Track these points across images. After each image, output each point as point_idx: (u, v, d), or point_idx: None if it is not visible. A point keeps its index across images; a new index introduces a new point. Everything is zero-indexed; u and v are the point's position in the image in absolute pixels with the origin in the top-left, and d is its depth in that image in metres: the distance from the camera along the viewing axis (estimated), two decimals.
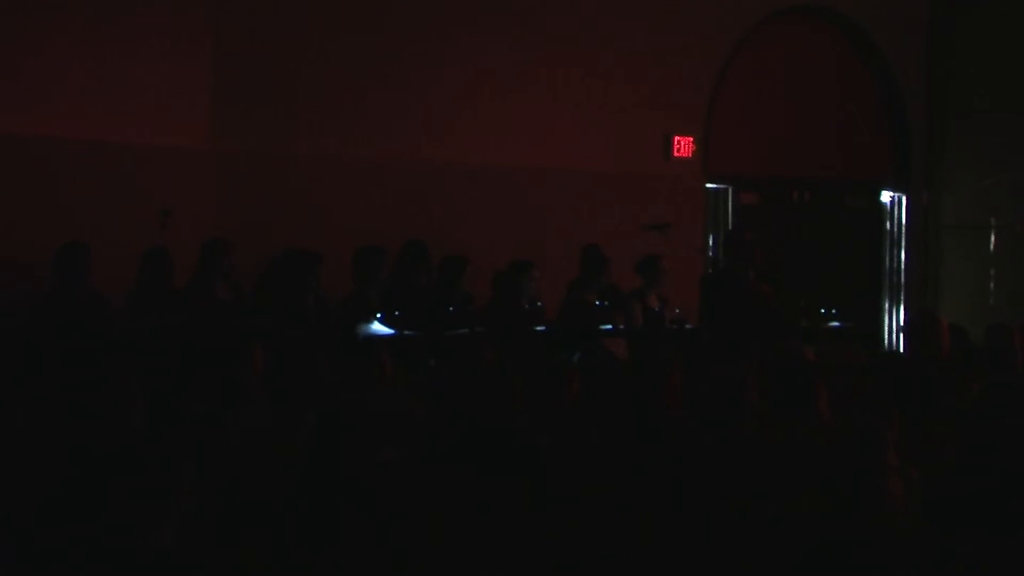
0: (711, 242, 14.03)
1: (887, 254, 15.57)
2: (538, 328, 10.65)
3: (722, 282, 11.11)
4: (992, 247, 15.25)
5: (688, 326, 11.13)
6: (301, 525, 5.47)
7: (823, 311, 11.45)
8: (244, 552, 5.22)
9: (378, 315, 10.16)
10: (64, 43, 10.80)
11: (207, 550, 4.97)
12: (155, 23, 11.19)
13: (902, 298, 15.49)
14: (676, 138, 13.84)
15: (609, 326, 10.94)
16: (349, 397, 7.27)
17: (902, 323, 15.19)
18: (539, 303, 10.88)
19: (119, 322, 9.70)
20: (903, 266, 15.53)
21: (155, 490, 4.79)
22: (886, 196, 15.57)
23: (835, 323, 11.47)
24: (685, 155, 13.89)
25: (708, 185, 14.21)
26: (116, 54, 11.02)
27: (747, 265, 10.88)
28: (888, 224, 15.59)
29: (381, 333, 10.03)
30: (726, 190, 14.35)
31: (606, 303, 11.21)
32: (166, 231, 10.04)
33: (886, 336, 15.45)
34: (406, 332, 10.04)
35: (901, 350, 14.34)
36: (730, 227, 14.02)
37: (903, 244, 15.55)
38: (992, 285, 15.22)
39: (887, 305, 15.53)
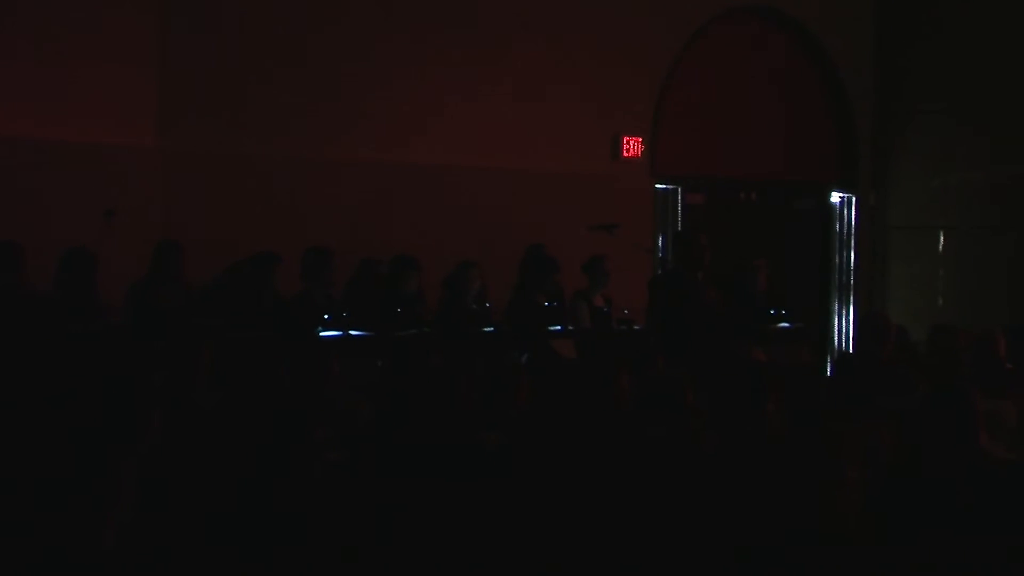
0: (660, 242, 13.99)
1: (836, 255, 15.60)
2: (486, 329, 10.57)
3: (670, 284, 10.96)
4: (940, 248, 15.28)
5: (636, 327, 11.03)
6: (247, 526, 5.40)
7: (772, 312, 11.33)
8: (187, 554, 5.18)
9: (326, 316, 10.06)
10: (7, 41, 10.70)
11: (148, 553, 4.93)
12: (101, 20, 11.11)
13: (851, 299, 15.50)
14: (624, 138, 13.83)
15: (558, 327, 10.85)
16: (297, 397, 7.26)
17: (852, 323, 15.22)
18: (487, 303, 10.81)
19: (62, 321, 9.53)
20: (852, 267, 15.55)
21: (94, 493, 4.77)
22: (836, 197, 15.60)
23: (784, 324, 11.36)
24: (634, 155, 13.89)
25: (657, 185, 14.18)
26: (61, 51, 10.93)
27: (697, 267, 10.77)
28: (837, 225, 15.63)
29: None
30: (675, 190, 14.31)
31: (555, 304, 11.12)
32: (111, 231, 9.89)
33: (836, 336, 15.47)
34: (352, 332, 9.97)
35: (851, 350, 14.48)
36: (679, 227, 13.98)
37: (852, 245, 15.58)
38: (940, 286, 15.25)
39: (836, 306, 15.54)
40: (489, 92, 12.89)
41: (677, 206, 14.33)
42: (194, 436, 6.52)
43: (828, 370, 13.07)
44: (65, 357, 8.62)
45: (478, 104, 12.81)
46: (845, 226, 15.63)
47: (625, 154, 13.85)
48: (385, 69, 12.35)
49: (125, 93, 11.23)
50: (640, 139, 13.91)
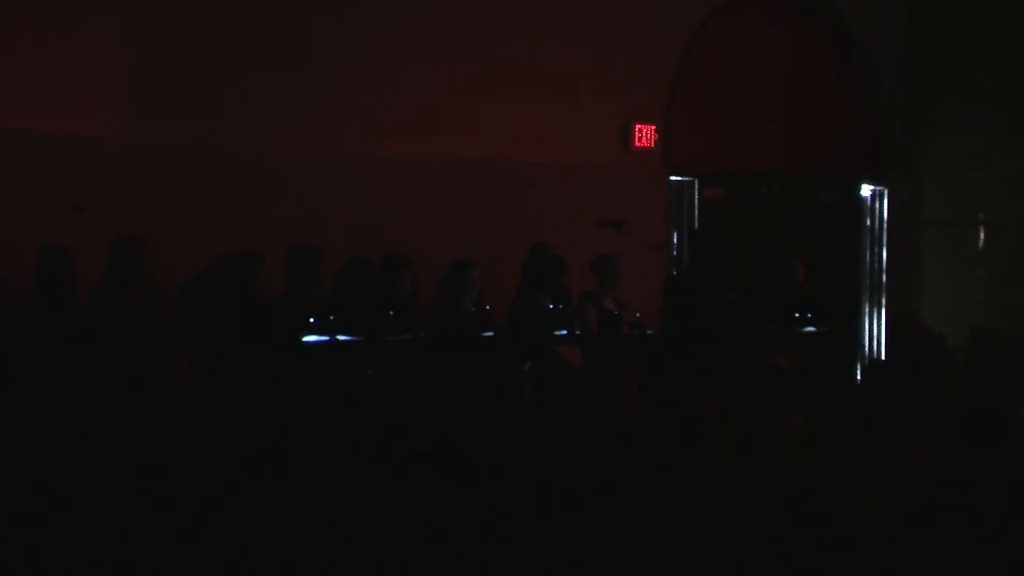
0: (674, 240, 13.80)
1: (867, 252, 15.31)
2: (485, 333, 10.35)
3: (685, 285, 10.88)
4: (980, 245, 15.01)
5: (649, 332, 10.82)
6: (233, 535, 5.39)
7: (797, 315, 11.19)
8: (177, 561, 5.21)
9: (312, 319, 9.85)
10: None
11: (141, 557, 5.02)
12: (74, 9, 11.00)
13: (883, 300, 15.23)
14: (636, 126, 13.56)
15: (563, 331, 10.64)
16: (280, 404, 7.07)
17: (883, 326, 15.02)
18: (487, 306, 10.57)
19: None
20: (884, 265, 15.28)
21: (86, 498, 4.94)
22: (866, 190, 15.34)
23: (810, 328, 11.23)
24: (646, 145, 13.59)
25: (671, 178, 13.92)
26: (33, 41, 10.84)
27: (714, 267, 10.67)
28: (868, 220, 15.34)
29: None
30: (691, 183, 14.05)
31: (561, 306, 10.90)
32: (79, 226, 9.85)
33: (866, 340, 15.21)
34: (340, 337, 9.76)
35: (882, 356, 14.27)
36: (695, 224, 13.80)
37: (884, 241, 15.30)
38: (981, 286, 15.01)
39: (867, 307, 15.28)
40: (491, 79, 12.64)
41: (693, 200, 14.05)
42: (173, 443, 6.41)
43: (857, 376, 12.72)
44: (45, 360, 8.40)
45: (479, 92, 12.57)
46: (876, 221, 15.29)
47: (637, 143, 13.53)
48: (373, 57, 12.15)
49: (98, 84, 11.09)
50: (653, 127, 13.59)
